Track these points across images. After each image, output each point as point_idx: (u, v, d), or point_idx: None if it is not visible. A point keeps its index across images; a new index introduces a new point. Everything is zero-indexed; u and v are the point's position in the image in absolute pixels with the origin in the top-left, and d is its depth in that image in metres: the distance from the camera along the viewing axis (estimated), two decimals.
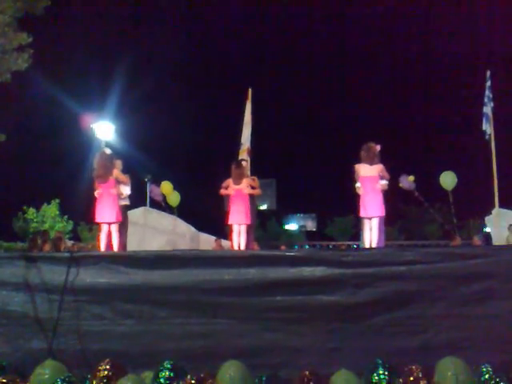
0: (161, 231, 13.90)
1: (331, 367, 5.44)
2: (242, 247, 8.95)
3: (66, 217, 30.41)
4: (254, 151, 13.07)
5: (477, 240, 14.53)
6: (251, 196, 9.47)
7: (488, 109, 13.57)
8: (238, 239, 9.04)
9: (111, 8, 34.13)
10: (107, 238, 8.43)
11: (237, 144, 13.29)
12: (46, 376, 5.40)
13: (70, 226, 30.49)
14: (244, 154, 12.72)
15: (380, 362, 5.26)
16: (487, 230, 16.33)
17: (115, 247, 8.39)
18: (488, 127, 13.45)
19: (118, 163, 9.08)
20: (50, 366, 5.51)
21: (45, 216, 29.64)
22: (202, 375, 5.32)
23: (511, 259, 5.92)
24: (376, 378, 5.14)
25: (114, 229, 8.43)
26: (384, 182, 8.39)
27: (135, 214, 12.98)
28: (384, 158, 8.50)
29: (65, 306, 5.93)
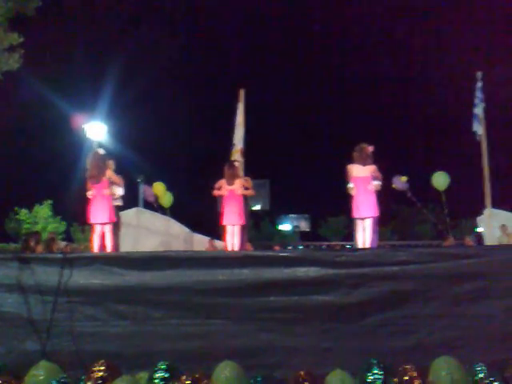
0: (154, 232, 13.87)
1: (326, 367, 5.46)
2: (236, 248, 8.97)
3: (58, 218, 30.30)
4: (247, 152, 13.08)
5: (469, 240, 14.65)
6: (244, 197, 9.50)
7: (479, 110, 13.64)
8: (232, 240, 9.06)
9: (103, 8, 34.04)
10: (100, 238, 8.42)
11: (229, 145, 13.28)
12: (41, 377, 5.38)
13: (62, 227, 30.39)
14: (237, 155, 12.72)
15: (374, 361, 5.29)
16: (479, 230, 16.43)
17: (108, 248, 8.38)
18: (479, 128, 13.52)
19: (111, 163, 9.07)
20: (44, 368, 5.49)
21: (37, 217, 29.53)
22: (196, 376, 5.32)
23: (503, 259, 5.96)
24: (371, 377, 5.16)
25: (108, 229, 8.43)
26: (377, 183, 8.43)
27: (128, 215, 12.95)
28: (376, 159, 8.55)
29: (58, 307, 5.90)
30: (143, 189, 15.10)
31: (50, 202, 29.76)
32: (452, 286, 5.85)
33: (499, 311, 5.74)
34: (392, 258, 5.97)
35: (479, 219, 14.93)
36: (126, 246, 10.31)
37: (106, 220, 8.39)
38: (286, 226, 46.52)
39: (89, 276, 6.03)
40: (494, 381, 5.06)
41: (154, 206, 14.70)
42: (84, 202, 8.70)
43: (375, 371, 5.18)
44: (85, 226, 27.68)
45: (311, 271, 5.93)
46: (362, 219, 8.37)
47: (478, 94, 13.67)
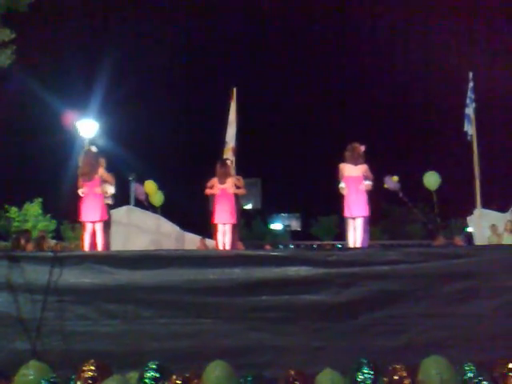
0: (145, 230, 13.83)
1: (316, 366, 5.47)
2: (227, 247, 8.96)
3: (48, 216, 30.13)
4: (238, 150, 13.07)
5: (458, 240, 14.70)
6: (236, 195, 9.49)
7: (470, 110, 13.72)
8: (223, 239, 9.05)
9: (96, 5, 33.89)
10: (91, 237, 8.38)
11: (221, 143, 13.27)
12: (30, 377, 5.36)
13: (52, 225, 30.21)
14: (229, 153, 12.70)
15: (365, 361, 5.31)
16: (469, 230, 16.52)
17: (99, 247, 8.35)
18: (470, 128, 13.59)
19: (102, 161, 9.03)
20: (34, 367, 5.46)
21: (27, 215, 29.34)
22: (187, 375, 5.32)
23: (493, 259, 6.01)
24: (361, 377, 5.18)
25: (98, 228, 8.39)
26: (368, 183, 8.45)
27: (119, 213, 12.90)
28: (368, 159, 8.57)
29: (48, 306, 5.88)
30: (134, 187, 15.04)
31: (40, 199, 29.59)
32: (442, 286, 5.88)
33: (489, 311, 5.78)
34: (382, 258, 6.00)
35: (469, 219, 15.01)
36: (117, 245, 10.27)
37: (97, 218, 8.36)
38: (277, 225, 46.53)
39: (79, 275, 6.00)
40: (483, 380, 5.10)
41: (144, 204, 14.65)
42: (75, 199, 8.66)
43: (365, 370, 5.19)
44: (75, 224, 27.53)
45: (302, 270, 5.94)
46: (353, 218, 8.39)
47: (470, 95, 13.74)
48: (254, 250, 7.55)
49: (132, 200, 15.13)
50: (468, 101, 13.77)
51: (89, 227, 8.40)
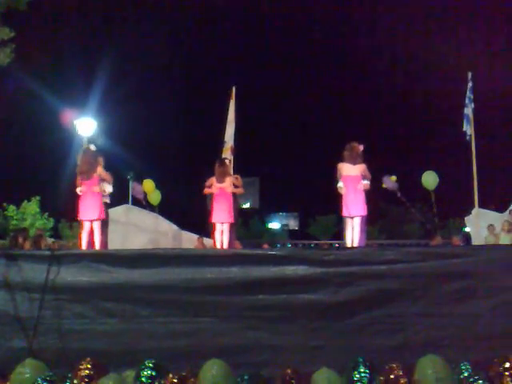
0: (143, 229, 13.82)
1: (313, 365, 5.48)
2: (225, 246, 8.96)
3: (46, 214, 30.09)
4: (237, 150, 13.07)
5: (456, 240, 14.71)
6: (234, 194, 9.49)
7: (469, 110, 13.71)
8: (221, 237, 9.05)
9: (95, 4, 33.86)
10: (89, 235, 8.38)
11: (220, 142, 13.27)
12: (27, 375, 5.36)
13: (50, 224, 30.15)
14: (227, 153, 12.70)
15: (361, 360, 5.31)
16: (467, 229, 16.54)
17: (97, 245, 8.35)
18: (468, 128, 13.59)
19: (100, 160, 9.02)
20: (30, 365, 5.47)
21: (25, 213, 29.28)
22: (184, 374, 5.32)
23: (490, 259, 6.02)
24: (357, 375, 5.19)
25: (96, 226, 8.38)
26: (366, 182, 8.45)
27: (117, 212, 12.89)
28: (367, 158, 8.57)
29: (46, 304, 5.88)
30: (133, 186, 15.02)
31: (38, 198, 29.54)
32: (439, 286, 5.90)
33: (485, 310, 5.79)
34: (380, 257, 6.01)
35: (467, 219, 15.03)
36: (115, 244, 10.26)
37: (95, 217, 8.35)
38: (275, 225, 46.58)
39: (76, 273, 6.01)
40: (479, 379, 5.11)
41: (142, 203, 14.63)
42: (73, 198, 8.64)
43: (361, 369, 5.20)
44: (73, 222, 27.49)
45: (300, 270, 5.95)
46: (352, 218, 8.39)
47: (469, 95, 13.74)
48: (251, 249, 7.56)
49: (130, 199, 15.11)
50: (467, 101, 13.75)
51: (87, 226, 8.39)
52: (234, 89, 13.63)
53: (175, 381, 5.21)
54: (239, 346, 5.76)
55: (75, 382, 5.23)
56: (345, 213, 8.43)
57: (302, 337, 5.80)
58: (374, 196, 9.12)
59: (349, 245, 8.21)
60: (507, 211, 13.58)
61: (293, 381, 5.22)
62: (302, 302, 5.87)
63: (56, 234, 29.49)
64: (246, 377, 5.36)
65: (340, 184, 8.43)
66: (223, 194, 9.11)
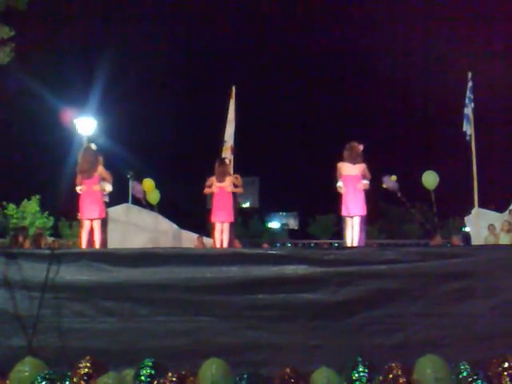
0: (143, 228, 13.82)
1: (312, 365, 5.49)
2: (225, 245, 8.97)
3: (46, 213, 30.10)
4: (237, 149, 13.06)
5: (456, 239, 14.72)
6: (233, 194, 9.50)
7: (469, 110, 13.70)
8: (221, 237, 9.06)
9: (95, 4, 33.86)
10: (89, 234, 8.38)
11: (220, 142, 13.27)
12: (26, 373, 5.36)
13: (50, 223, 30.16)
14: (227, 152, 12.70)
15: (360, 359, 5.32)
16: (466, 229, 16.53)
17: (97, 244, 8.35)
18: (468, 128, 13.58)
19: (100, 159, 9.02)
20: (29, 364, 5.47)
21: (25, 212, 29.28)
22: (183, 373, 5.32)
23: (490, 259, 6.02)
24: (356, 375, 5.19)
25: (97, 225, 8.39)
26: (365, 182, 8.45)
27: (117, 211, 12.89)
28: (367, 158, 8.57)
29: (45, 303, 5.88)
30: (133, 185, 15.01)
31: (38, 197, 29.54)
32: (438, 285, 5.90)
33: (485, 310, 5.79)
34: (380, 257, 6.01)
35: (467, 219, 15.02)
36: (115, 243, 10.26)
37: (96, 216, 8.35)
38: (274, 224, 46.62)
39: (76, 272, 6.01)
40: (478, 379, 5.11)
41: (142, 202, 14.63)
42: (73, 197, 8.65)
43: (361, 369, 5.21)
44: (72, 221, 27.51)
45: (299, 269, 5.96)
46: (351, 217, 8.40)
47: (469, 95, 13.73)
48: (251, 248, 7.56)
49: (130, 198, 15.11)
50: (467, 101, 13.73)
51: (87, 224, 8.39)
52: (233, 88, 13.62)
53: (174, 380, 5.21)
54: (239, 345, 5.76)
55: (74, 380, 5.22)
56: (344, 212, 8.44)
57: (301, 336, 5.81)
58: (374, 196, 9.13)
59: (349, 244, 8.21)
60: (507, 211, 13.59)
61: (292, 380, 5.22)
62: (302, 301, 5.87)
63: (56, 232, 29.51)
64: (245, 376, 5.36)
65: (340, 183, 8.43)
66: (223, 194, 9.12)
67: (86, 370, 5.27)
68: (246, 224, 38.06)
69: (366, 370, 5.18)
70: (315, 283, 5.90)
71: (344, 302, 5.86)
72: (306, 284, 5.90)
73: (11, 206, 29.12)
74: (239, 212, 11.23)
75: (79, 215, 8.51)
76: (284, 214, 48.21)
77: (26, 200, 29.35)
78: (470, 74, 13.80)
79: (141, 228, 13.72)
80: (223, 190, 9.13)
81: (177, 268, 5.98)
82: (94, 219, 8.36)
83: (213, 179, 9.22)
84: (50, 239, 17.64)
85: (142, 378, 5.24)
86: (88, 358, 5.40)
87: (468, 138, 13.61)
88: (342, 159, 8.49)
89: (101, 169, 8.50)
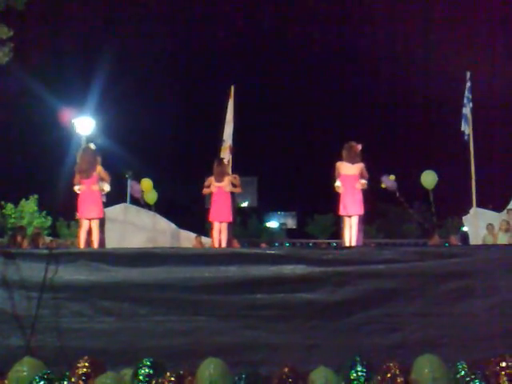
0: (141, 228, 13.82)
1: (310, 364, 5.49)
2: (223, 244, 8.98)
3: (44, 212, 30.07)
4: (235, 149, 13.07)
5: (454, 239, 14.74)
6: (232, 194, 9.52)
7: (467, 110, 13.71)
8: (219, 236, 9.07)
9: (94, 3, 33.80)
10: (87, 234, 8.38)
11: (219, 141, 13.28)
12: (24, 373, 5.35)
13: (48, 222, 30.14)
14: (226, 152, 12.71)
15: (358, 359, 5.32)
16: (465, 229, 16.55)
17: (95, 244, 8.35)
18: (467, 128, 13.60)
19: (99, 159, 9.03)
20: (28, 363, 5.46)
21: (23, 212, 29.27)
22: (181, 372, 5.32)
23: (488, 258, 6.03)
24: (354, 374, 5.19)
25: (95, 225, 8.39)
26: (363, 181, 8.47)
27: (115, 211, 12.90)
28: (365, 158, 8.59)
29: (43, 303, 5.88)
30: (131, 184, 15.02)
31: (36, 196, 29.52)
32: (437, 285, 5.90)
33: (482, 310, 5.80)
34: (378, 257, 6.02)
35: (465, 218, 15.04)
36: (113, 242, 10.26)
37: (94, 215, 8.36)
38: (273, 224, 46.53)
39: (74, 272, 6.01)
40: (475, 379, 5.11)
41: (140, 202, 14.64)
42: (71, 197, 8.65)
43: (359, 368, 5.21)
44: (71, 221, 27.49)
45: (298, 269, 5.96)
46: (349, 217, 8.41)
47: (467, 94, 13.75)
48: (249, 248, 7.56)
49: (128, 198, 15.12)
50: (465, 100, 13.76)
51: (85, 224, 8.39)
52: (232, 88, 13.63)
53: (173, 379, 5.21)
54: (237, 344, 5.77)
55: (73, 380, 5.22)
56: (342, 212, 8.45)
57: (299, 336, 5.81)
58: (372, 196, 9.14)
59: (347, 244, 8.23)
60: (505, 211, 13.61)
61: (290, 379, 5.22)
62: (300, 301, 5.88)
63: (54, 232, 29.49)
64: (243, 375, 5.36)
65: (338, 183, 8.44)
66: (222, 193, 9.14)
67: (85, 369, 5.26)
68: (244, 224, 38.02)
69: (364, 370, 5.19)
70: (313, 283, 5.91)
71: (342, 302, 5.87)
72: (305, 284, 5.91)
73: (9, 206, 29.09)
74: (237, 212, 11.25)
75: (77, 215, 8.52)
76: (282, 213, 48.10)
77: (24, 199, 29.32)
78: (468, 74, 13.82)
79: (139, 228, 13.73)
80: (222, 190, 9.14)
81: (175, 268, 5.99)
82: (93, 219, 8.36)
83: (211, 179, 9.23)
84: (48, 239, 17.62)
85: (141, 377, 5.24)
86: (86, 357, 5.39)
87: (466, 137, 13.64)
88: (340, 159, 8.50)
89: (99, 169, 8.51)
